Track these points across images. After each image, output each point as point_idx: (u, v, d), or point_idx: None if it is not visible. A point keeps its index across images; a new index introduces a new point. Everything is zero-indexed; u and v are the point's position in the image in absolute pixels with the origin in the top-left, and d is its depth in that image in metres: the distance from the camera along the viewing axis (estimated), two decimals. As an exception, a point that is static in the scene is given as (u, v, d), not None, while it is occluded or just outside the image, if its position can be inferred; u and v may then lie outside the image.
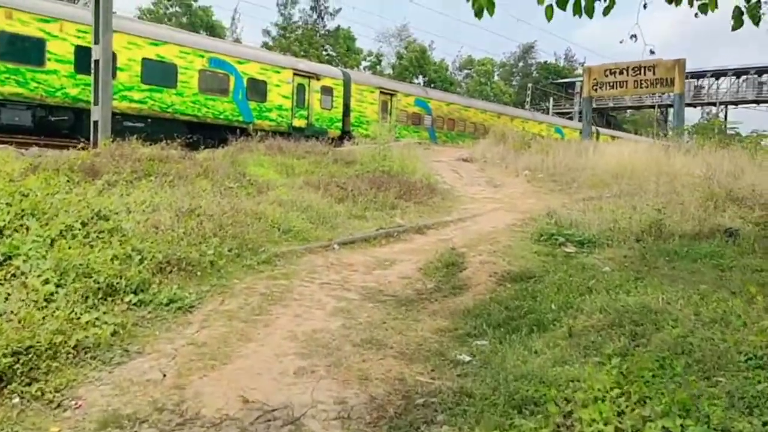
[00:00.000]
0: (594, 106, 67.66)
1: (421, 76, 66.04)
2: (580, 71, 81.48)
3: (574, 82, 68.43)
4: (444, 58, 70.78)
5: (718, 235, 8.43)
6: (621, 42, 6.40)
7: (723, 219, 9.18)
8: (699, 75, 58.72)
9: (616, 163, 16.54)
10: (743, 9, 5.28)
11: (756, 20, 5.28)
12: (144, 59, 21.01)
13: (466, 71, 77.49)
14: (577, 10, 4.86)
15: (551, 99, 68.57)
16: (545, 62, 79.45)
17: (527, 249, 8.23)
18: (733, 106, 61.03)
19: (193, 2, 56.08)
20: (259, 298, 6.46)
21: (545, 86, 71.31)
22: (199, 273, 6.78)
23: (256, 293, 6.62)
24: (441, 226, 10.64)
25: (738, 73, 58.70)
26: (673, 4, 5.44)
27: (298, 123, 27.07)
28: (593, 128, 48.69)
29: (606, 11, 5.01)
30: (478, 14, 4.55)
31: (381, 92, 31.33)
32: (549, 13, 4.80)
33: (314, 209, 10.72)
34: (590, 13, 4.92)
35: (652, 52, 6.95)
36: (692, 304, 5.69)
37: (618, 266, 7.48)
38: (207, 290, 6.50)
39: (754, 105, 58.05)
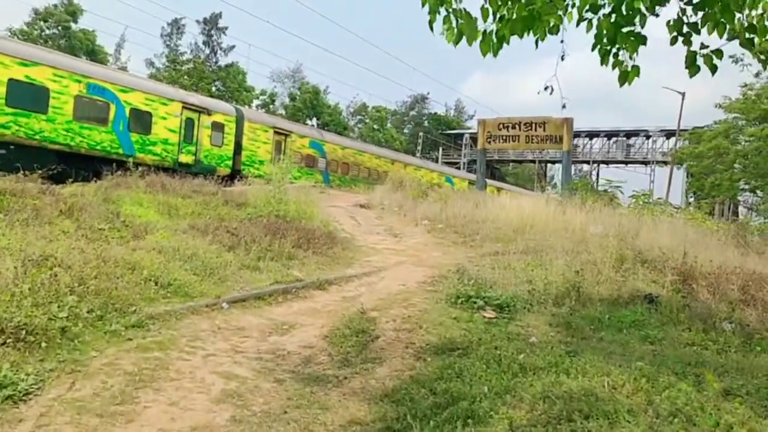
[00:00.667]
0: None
1: (315, 118, 65.46)
2: (469, 124, 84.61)
3: (462, 134, 70.64)
4: (338, 102, 70.87)
5: (637, 301, 7.97)
6: (538, 93, 6.10)
7: (637, 282, 8.79)
8: (575, 134, 62.30)
9: (516, 216, 16.31)
10: (699, 56, 4.80)
11: (713, 69, 4.81)
12: (10, 80, 18.66)
13: (359, 117, 77.98)
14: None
15: (440, 149, 70.25)
16: (435, 113, 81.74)
17: (444, 313, 7.31)
18: (605, 165, 65.33)
19: (72, 24, 52.38)
20: (123, 380, 5.02)
21: (435, 136, 73.08)
22: (43, 344, 5.24)
23: (120, 372, 5.17)
24: (344, 281, 9.55)
25: (609, 135, 63.07)
26: (604, 65, 5.03)
27: (186, 159, 25.24)
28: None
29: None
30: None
31: (275, 132, 30.16)
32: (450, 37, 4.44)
33: (200, 258, 9.31)
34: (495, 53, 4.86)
35: (564, 107, 6.46)
36: (642, 390, 4.96)
37: (544, 336, 6.73)
38: (52, 369, 4.98)
39: (623, 165, 62.34)
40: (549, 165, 70.69)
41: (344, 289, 9.08)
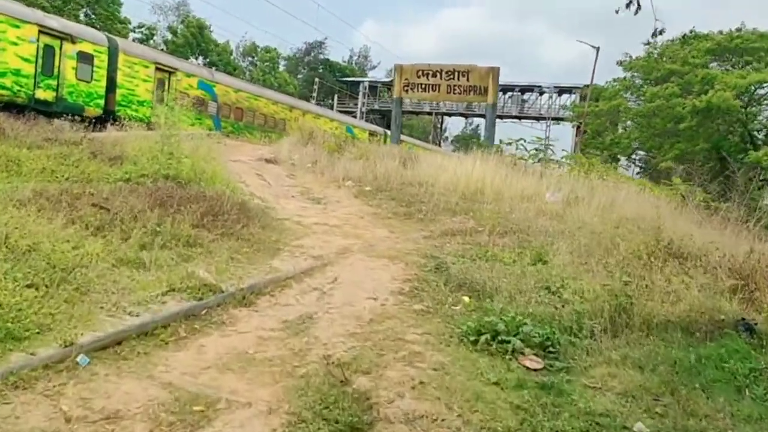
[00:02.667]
0: (375, 107, 67.16)
1: (200, 57, 59.04)
2: (371, 74, 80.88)
3: (359, 82, 66.97)
4: (228, 40, 64.37)
5: (722, 327, 5.42)
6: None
7: (691, 290, 6.26)
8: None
9: (459, 180, 13.57)
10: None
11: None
12: None
13: (249, 58, 71.82)
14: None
15: (336, 96, 66.33)
16: (327, 59, 77.20)
17: (471, 371, 4.34)
18: (499, 119, 64.59)
19: None
20: None
21: (331, 83, 68.88)
22: None
23: None
24: (278, 286, 6.28)
25: (504, 89, 61.99)
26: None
27: (44, 95, 20.21)
28: (382, 131, 47.05)
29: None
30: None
31: (158, 68, 25.29)
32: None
33: (44, 253, 5.74)
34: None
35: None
36: None
37: (646, 413, 3.97)
38: None
39: (517, 120, 61.78)
40: (446, 118, 69.15)
41: (281, 303, 5.84)
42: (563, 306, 5.76)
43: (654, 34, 7.09)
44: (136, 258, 6.54)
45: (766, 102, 33.42)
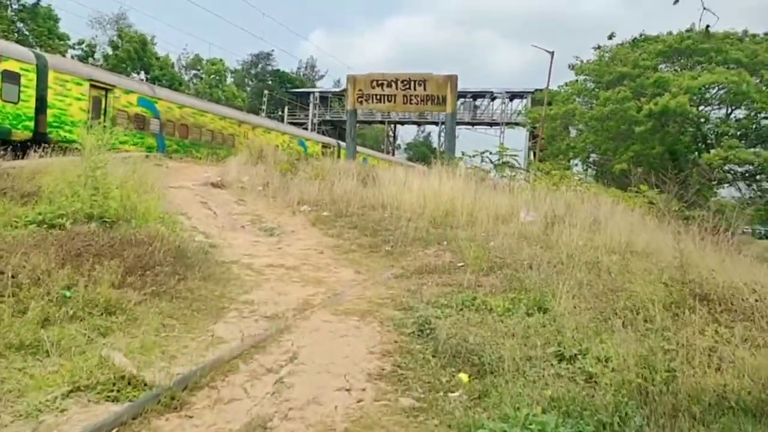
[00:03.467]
0: (327, 118, 65.61)
1: (143, 72, 56.47)
2: (320, 84, 79.26)
3: (309, 93, 65.39)
4: (168, 53, 61.84)
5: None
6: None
7: (740, 350, 5.07)
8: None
9: (425, 199, 12.31)
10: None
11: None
12: None
13: (194, 72, 69.39)
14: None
15: (286, 108, 64.58)
16: (280, 71, 75.38)
17: None
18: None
19: None
20: None
21: (280, 94, 67.08)
22: None
23: None
24: (220, 372, 4.82)
25: (457, 96, 61.37)
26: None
27: (-40, 119, 18.18)
28: (336, 143, 45.57)
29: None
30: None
31: (92, 85, 23.31)
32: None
33: None
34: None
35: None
36: None
37: None
38: None
39: (470, 126, 61.23)
40: (399, 126, 68.16)
41: (224, 399, 4.37)
42: (587, 382, 4.49)
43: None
44: (34, 340, 4.99)
45: (716, 103, 33.44)
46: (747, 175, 36.66)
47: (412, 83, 21.32)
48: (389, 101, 21.78)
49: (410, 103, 21.63)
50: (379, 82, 21.77)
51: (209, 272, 7.35)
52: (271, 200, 13.80)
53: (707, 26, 5.01)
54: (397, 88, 21.52)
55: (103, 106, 23.74)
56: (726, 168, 35.53)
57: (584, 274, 7.15)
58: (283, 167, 15.68)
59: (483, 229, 10.47)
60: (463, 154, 20.96)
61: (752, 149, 31.50)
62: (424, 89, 21.23)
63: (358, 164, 19.40)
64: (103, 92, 23.88)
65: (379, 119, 60.66)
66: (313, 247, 9.66)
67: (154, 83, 49.57)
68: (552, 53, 29.43)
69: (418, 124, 67.00)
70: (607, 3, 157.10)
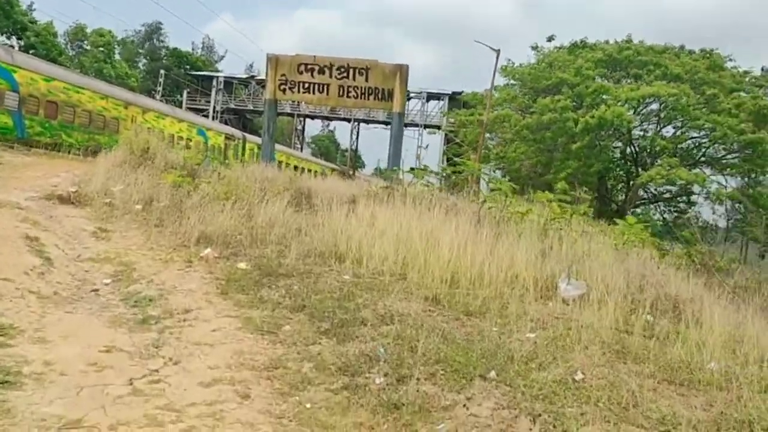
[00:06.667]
0: (232, 106, 58.74)
1: (14, 38, 47.19)
2: (219, 66, 71.67)
3: (213, 76, 58.25)
4: (53, 20, 52.35)
5: None
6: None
7: None
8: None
9: (408, 252, 7.57)
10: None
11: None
12: None
13: (78, 43, 59.92)
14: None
15: (185, 92, 57.14)
16: (176, 48, 67.22)
17: None
18: (365, 124, 59.31)
19: None
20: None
21: (178, 75, 59.40)
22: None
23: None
24: None
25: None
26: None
27: None
28: (240, 134, 39.57)
29: None
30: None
31: None
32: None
33: None
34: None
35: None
36: None
37: None
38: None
39: (385, 126, 56.98)
40: (307, 120, 62.53)
41: None
42: None
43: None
44: None
45: (654, 118, 31.14)
46: (668, 195, 35.02)
47: (351, 71, 16.47)
48: (320, 92, 16.75)
49: (347, 96, 16.73)
50: (309, 66, 16.70)
51: None
52: (154, 233, 8.49)
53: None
54: (331, 76, 16.58)
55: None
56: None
57: None
58: (177, 179, 10.27)
59: (516, 313, 5.93)
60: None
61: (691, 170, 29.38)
62: (366, 80, 16.45)
63: (282, 172, 14.30)
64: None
65: (288, 111, 54.71)
66: (229, 372, 4.64)
67: (29, 53, 40.88)
68: (498, 51, 25.65)
69: (329, 119, 61.79)
70: (505, 10, 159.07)
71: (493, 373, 4.67)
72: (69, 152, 18.67)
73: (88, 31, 55.21)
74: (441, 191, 12.93)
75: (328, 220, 8.81)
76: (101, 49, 54.34)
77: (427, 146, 41.54)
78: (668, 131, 32.72)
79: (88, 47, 55.48)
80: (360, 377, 4.64)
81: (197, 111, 50.33)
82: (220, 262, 7.53)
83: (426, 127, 51.66)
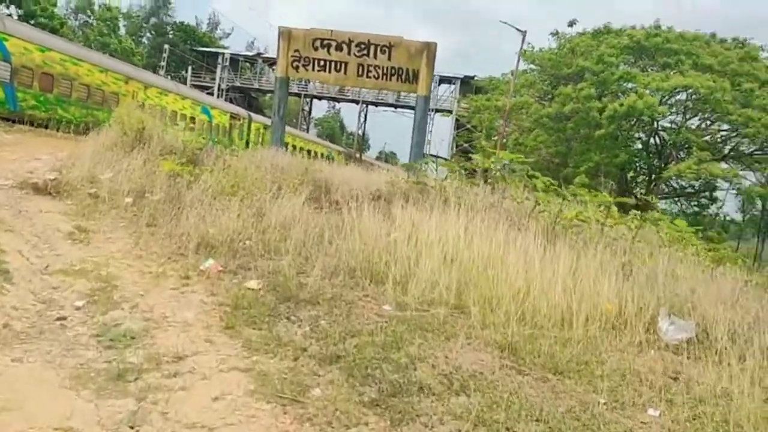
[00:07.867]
0: (237, 84, 56.72)
1: (13, 7, 45.16)
2: (225, 43, 69.50)
3: (219, 53, 56.21)
4: (57, -8, 50.16)
5: None
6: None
7: None
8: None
9: (468, 276, 5.96)
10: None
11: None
12: None
13: (83, 18, 57.83)
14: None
15: (190, 68, 55.14)
16: (183, 23, 65.06)
17: None
18: (373, 107, 57.40)
19: None
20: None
21: (183, 51, 57.34)
22: None
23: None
24: None
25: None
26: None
27: None
28: (246, 113, 37.76)
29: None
30: None
31: None
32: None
33: None
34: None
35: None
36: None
37: None
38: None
39: (393, 109, 55.17)
40: (314, 101, 60.57)
41: None
42: None
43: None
44: None
45: (682, 110, 29.31)
46: (690, 190, 33.33)
47: (373, 48, 14.71)
48: (337, 70, 14.99)
49: (367, 76, 14.97)
50: (325, 42, 14.95)
51: None
52: (145, 235, 6.88)
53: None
54: (350, 53, 14.83)
55: None
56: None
57: None
58: (174, 167, 8.61)
59: (620, 371, 4.35)
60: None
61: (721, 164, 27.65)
62: (389, 58, 14.69)
63: (296, 161, 12.63)
64: None
65: (296, 91, 52.68)
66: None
67: (28, 23, 38.85)
68: (524, 33, 23.86)
69: (337, 100, 59.82)
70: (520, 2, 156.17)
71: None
72: (58, 129, 16.98)
73: (96, 7, 52.94)
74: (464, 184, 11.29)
75: (357, 224, 7.19)
76: (107, 22, 52.17)
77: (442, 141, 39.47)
78: (692, 123, 30.98)
79: (93, 21, 53.29)
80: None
81: (202, 88, 48.39)
82: (225, 279, 5.92)
83: (437, 111, 49.70)
